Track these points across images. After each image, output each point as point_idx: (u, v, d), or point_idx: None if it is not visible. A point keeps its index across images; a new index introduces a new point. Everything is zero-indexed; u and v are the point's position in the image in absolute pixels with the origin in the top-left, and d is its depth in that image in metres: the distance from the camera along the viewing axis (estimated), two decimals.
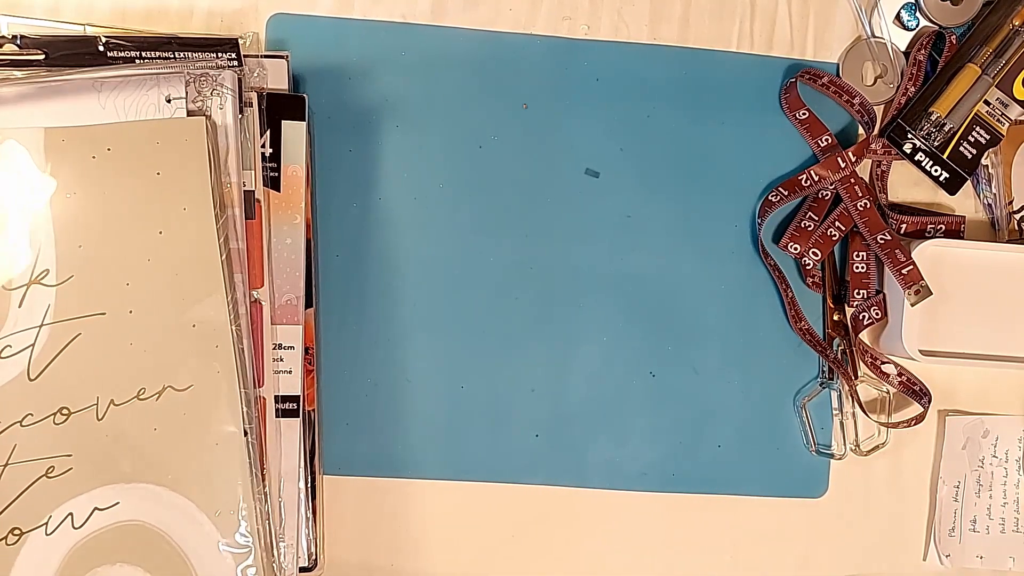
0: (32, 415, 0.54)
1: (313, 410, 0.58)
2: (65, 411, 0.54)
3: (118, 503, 0.54)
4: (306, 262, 0.58)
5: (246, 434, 0.55)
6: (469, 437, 0.61)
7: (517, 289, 0.62)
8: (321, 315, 0.60)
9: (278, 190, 0.58)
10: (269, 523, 0.56)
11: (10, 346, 0.54)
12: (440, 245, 0.61)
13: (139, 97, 0.54)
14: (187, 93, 0.55)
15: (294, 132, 0.58)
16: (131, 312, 0.54)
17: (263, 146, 0.57)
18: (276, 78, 0.58)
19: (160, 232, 0.54)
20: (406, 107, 0.61)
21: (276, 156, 0.58)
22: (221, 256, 0.54)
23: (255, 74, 0.57)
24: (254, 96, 0.57)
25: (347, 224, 0.61)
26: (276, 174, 0.58)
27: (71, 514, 0.54)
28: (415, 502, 0.61)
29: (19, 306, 0.54)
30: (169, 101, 0.54)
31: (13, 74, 0.54)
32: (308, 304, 0.58)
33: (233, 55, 0.56)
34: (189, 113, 0.55)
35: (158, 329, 0.54)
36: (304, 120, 0.58)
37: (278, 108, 0.58)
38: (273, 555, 0.55)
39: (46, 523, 0.54)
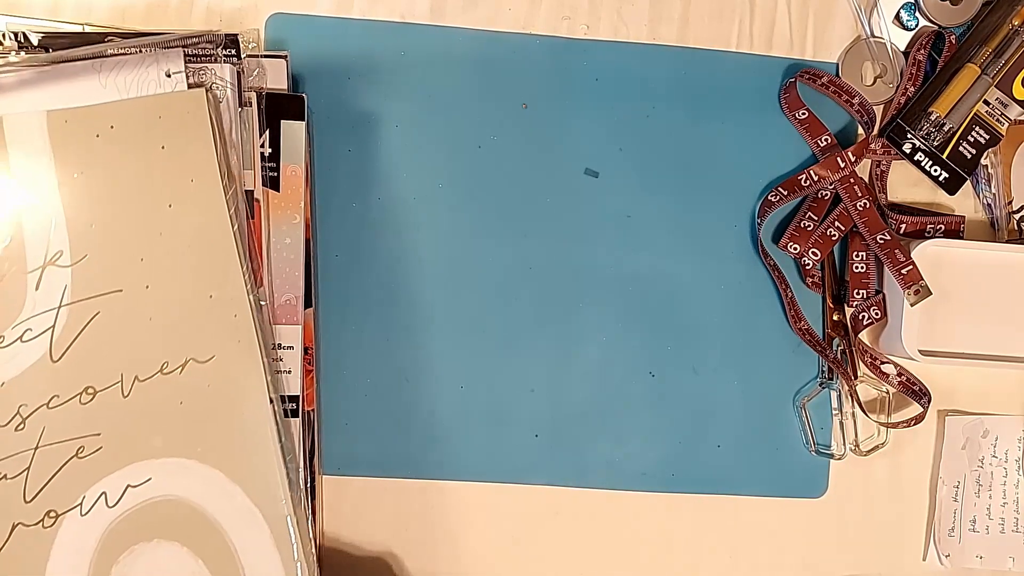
0: (58, 396, 0.54)
1: (312, 410, 0.58)
2: (91, 390, 0.54)
3: (150, 479, 0.54)
4: (305, 262, 0.58)
5: (272, 402, 0.55)
6: (469, 437, 0.61)
7: (517, 289, 0.62)
8: (320, 315, 0.60)
9: (277, 190, 0.58)
10: (302, 490, 0.56)
11: (30, 329, 0.54)
12: (439, 245, 0.61)
13: (139, 74, 0.54)
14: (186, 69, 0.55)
15: (293, 132, 0.58)
16: (148, 287, 0.54)
17: (262, 146, 0.57)
18: (275, 78, 0.58)
19: (170, 206, 0.55)
20: (406, 107, 0.61)
21: (275, 156, 0.58)
22: (233, 226, 0.55)
23: (254, 74, 0.57)
24: (253, 96, 0.57)
25: (346, 224, 0.61)
26: (275, 174, 0.58)
27: (104, 493, 0.54)
28: (415, 502, 0.61)
29: (36, 289, 0.54)
30: (169, 76, 0.55)
31: (10, 58, 0.54)
32: (307, 304, 0.58)
33: (232, 51, 0.56)
34: (189, 86, 0.55)
35: (176, 302, 0.54)
36: (303, 120, 0.58)
37: (277, 108, 0.58)
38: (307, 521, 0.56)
39: (80, 504, 0.54)
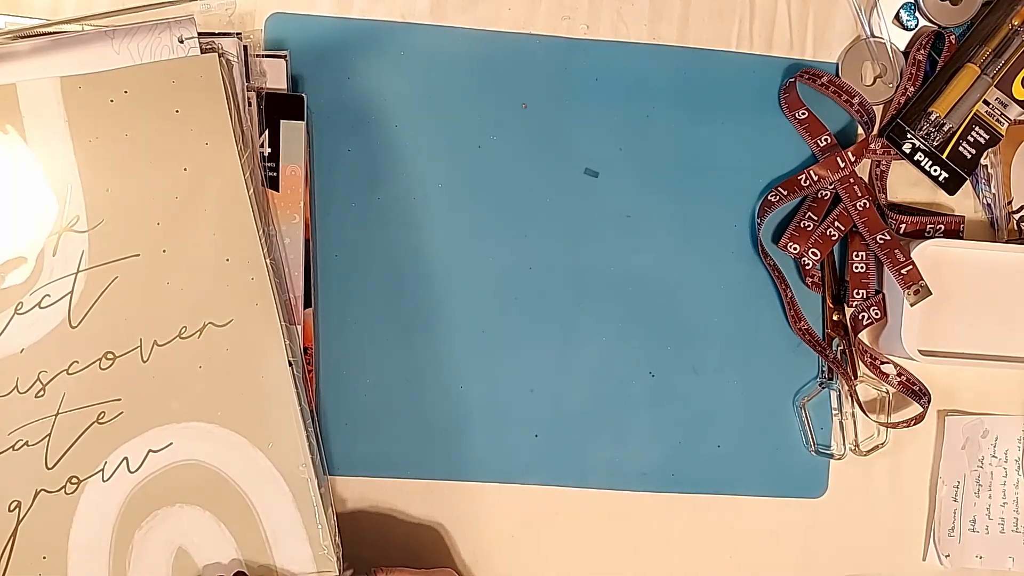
0: (78, 362, 0.54)
1: (312, 410, 0.58)
2: (110, 355, 0.54)
3: (171, 444, 0.54)
4: (305, 262, 0.58)
5: (290, 365, 0.55)
6: (469, 437, 0.61)
7: (517, 289, 0.62)
8: (320, 315, 0.60)
9: (277, 190, 0.58)
10: (321, 453, 0.56)
11: (48, 295, 0.54)
12: (439, 245, 0.61)
13: (152, 40, 0.55)
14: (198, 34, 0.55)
15: (293, 132, 0.58)
16: (164, 251, 0.55)
17: (262, 146, 0.57)
18: (275, 78, 0.58)
19: (185, 169, 0.55)
20: (405, 107, 0.61)
21: (275, 156, 0.58)
22: (248, 189, 0.55)
23: (253, 81, 0.57)
24: (253, 96, 0.57)
25: (346, 224, 0.61)
26: (275, 174, 0.58)
27: (126, 458, 0.54)
28: (415, 502, 0.61)
29: (53, 255, 0.54)
30: (182, 42, 0.55)
31: (23, 24, 0.55)
32: (307, 304, 0.58)
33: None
34: (202, 51, 0.55)
35: (192, 266, 0.55)
36: (303, 120, 0.58)
37: (277, 108, 0.58)
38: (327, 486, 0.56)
39: (102, 469, 0.54)
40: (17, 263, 0.54)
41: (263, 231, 0.55)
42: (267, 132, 0.57)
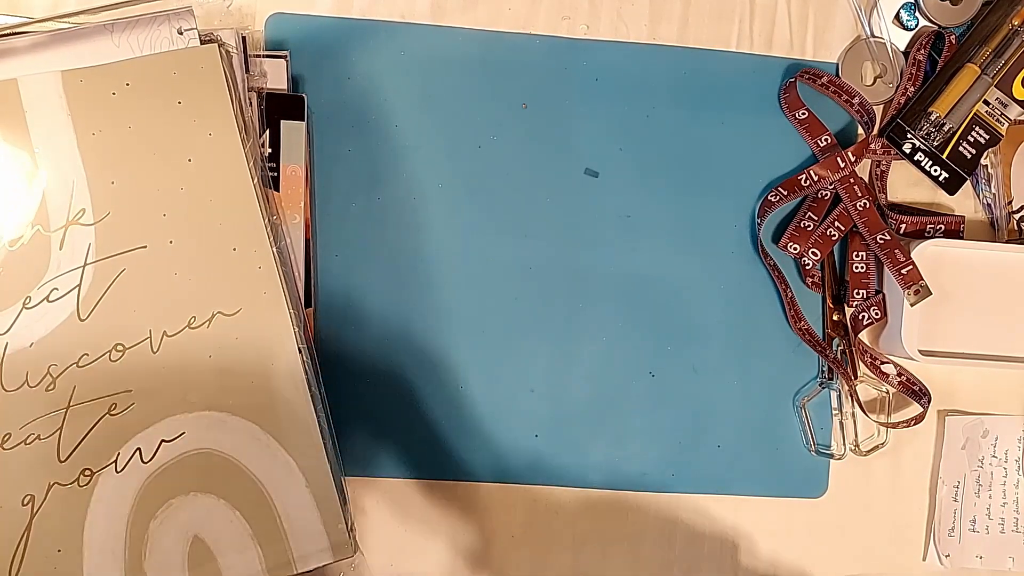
0: (88, 355, 0.54)
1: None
2: (120, 347, 0.54)
3: (184, 433, 0.55)
4: (305, 262, 0.58)
5: (301, 352, 0.55)
6: (469, 437, 0.61)
7: (517, 289, 0.62)
8: (320, 315, 0.60)
9: (277, 190, 0.58)
10: (333, 438, 0.56)
11: (56, 289, 0.54)
12: (439, 245, 0.61)
13: (151, 32, 0.55)
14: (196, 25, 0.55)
15: (293, 132, 0.58)
16: (171, 242, 0.55)
17: (262, 146, 0.57)
18: (275, 78, 0.58)
19: (189, 160, 0.55)
20: (405, 107, 0.61)
21: (275, 156, 0.58)
22: (253, 179, 0.55)
23: (254, 74, 0.57)
24: (253, 96, 0.57)
25: (346, 224, 0.61)
26: (275, 174, 0.58)
27: (139, 449, 0.54)
28: (415, 502, 0.61)
29: (60, 248, 0.54)
30: (181, 33, 0.55)
31: (18, 18, 0.55)
32: (307, 304, 0.58)
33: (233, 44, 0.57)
34: (202, 42, 0.55)
35: (200, 257, 0.55)
36: (303, 120, 0.58)
37: (277, 108, 0.58)
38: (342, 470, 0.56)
39: (115, 461, 0.54)
40: None
41: (268, 220, 0.55)
42: (267, 132, 0.57)
